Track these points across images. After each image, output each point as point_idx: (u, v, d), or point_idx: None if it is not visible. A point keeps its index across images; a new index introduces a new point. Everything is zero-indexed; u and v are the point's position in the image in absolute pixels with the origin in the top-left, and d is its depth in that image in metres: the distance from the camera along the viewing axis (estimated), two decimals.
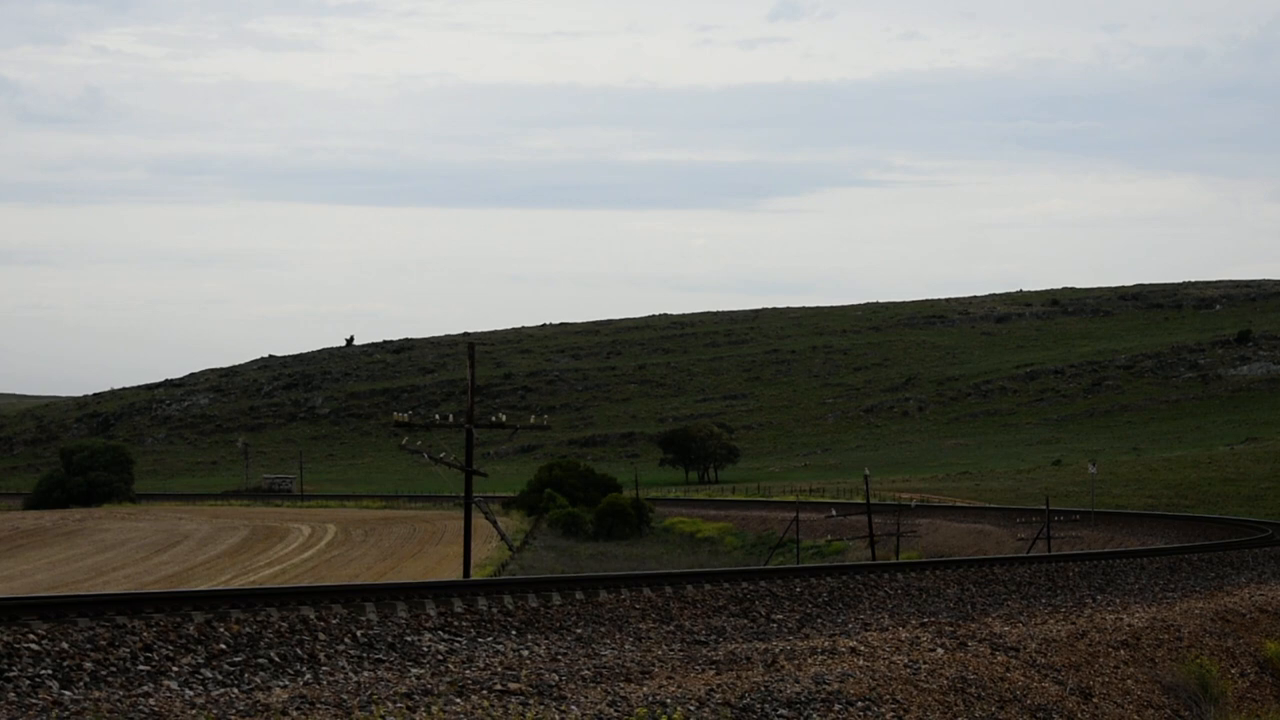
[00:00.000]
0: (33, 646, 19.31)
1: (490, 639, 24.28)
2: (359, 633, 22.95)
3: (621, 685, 20.23)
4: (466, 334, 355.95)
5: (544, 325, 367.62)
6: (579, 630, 26.00)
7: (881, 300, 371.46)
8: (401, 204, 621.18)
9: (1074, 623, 31.35)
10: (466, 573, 52.42)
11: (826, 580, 34.83)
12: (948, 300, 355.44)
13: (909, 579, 37.24)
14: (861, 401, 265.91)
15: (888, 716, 21.08)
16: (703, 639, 26.38)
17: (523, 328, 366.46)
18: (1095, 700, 26.41)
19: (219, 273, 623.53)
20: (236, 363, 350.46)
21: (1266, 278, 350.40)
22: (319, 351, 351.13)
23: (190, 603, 22.33)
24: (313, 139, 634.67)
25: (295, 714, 17.27)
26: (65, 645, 19.60)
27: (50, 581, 76.47)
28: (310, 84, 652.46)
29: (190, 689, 19.03)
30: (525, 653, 23.48)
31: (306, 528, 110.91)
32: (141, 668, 19.64)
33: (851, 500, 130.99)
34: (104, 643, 19.98)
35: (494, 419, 55.80)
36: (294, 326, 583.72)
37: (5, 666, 18.60)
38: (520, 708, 18.04)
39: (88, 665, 19.26)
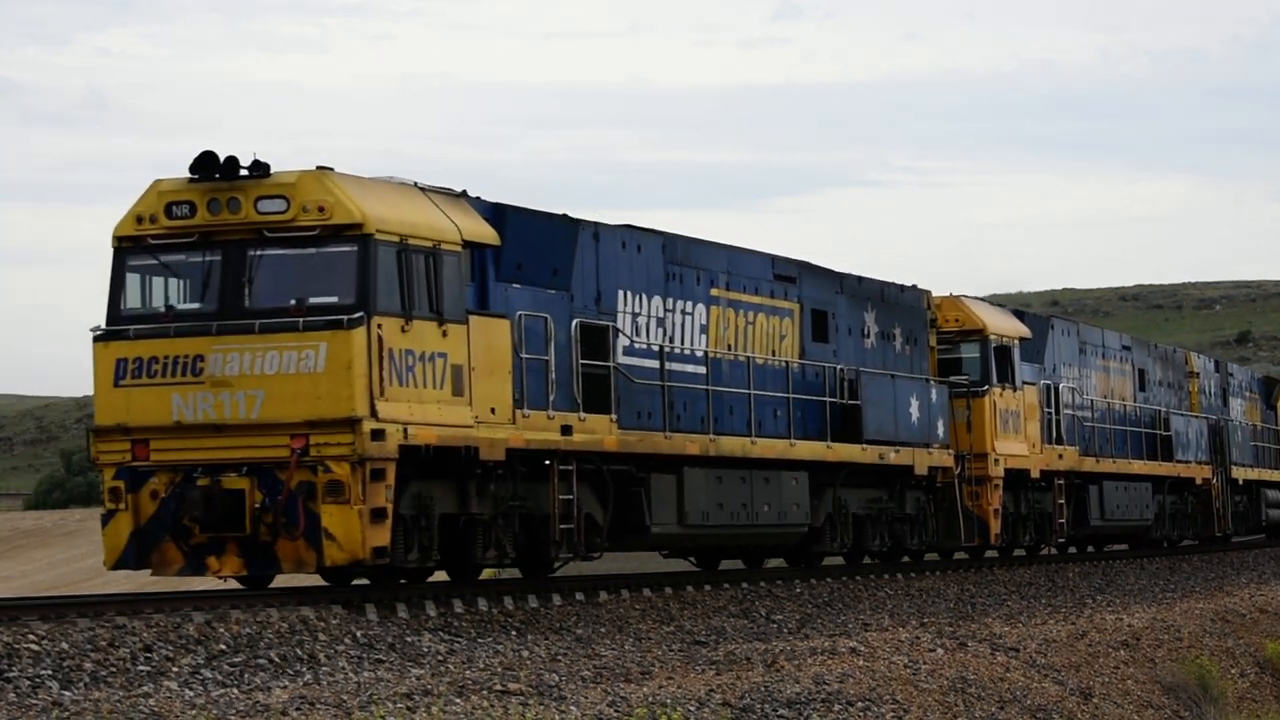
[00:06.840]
0: (33, 647, 19.32)
1: (490, 639, 24.28)
2: (359, 633, 22.94)
3: (621, 685, 20.22)
4: None
5: None
6: (579, 631, 26.00)
7: None
8: None
9: (1074, 623, 31.32)
10: None
11: (826, 580, 34.82)
12: None
13: (909, 579, 37.25)
14: None
15: (888, 716, 21.08)
16: (702, 639, 26.37)
17: None
18: (1095, 700, 26.39)
19: None
20: None
21: (1266, 278, 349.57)
22: None
23: (190, 603, 22.34)
24: (314, 139, 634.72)
25: (295, 714, 17.28)
26: (65, 645, 19.61)
27: (50, 581, 76.35)
28: (312, 84, 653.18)
29: (190, 689, 19.03)
30: (525, 653, 23.47)
31: None
32: (141, 668, 19.65)
33: None
34: (104, 643, 19.98)
35: None
36: None
37: (5, 666, 18.61)
38: (520, 708, 18.04)
39: (88, 665, 19.27)
